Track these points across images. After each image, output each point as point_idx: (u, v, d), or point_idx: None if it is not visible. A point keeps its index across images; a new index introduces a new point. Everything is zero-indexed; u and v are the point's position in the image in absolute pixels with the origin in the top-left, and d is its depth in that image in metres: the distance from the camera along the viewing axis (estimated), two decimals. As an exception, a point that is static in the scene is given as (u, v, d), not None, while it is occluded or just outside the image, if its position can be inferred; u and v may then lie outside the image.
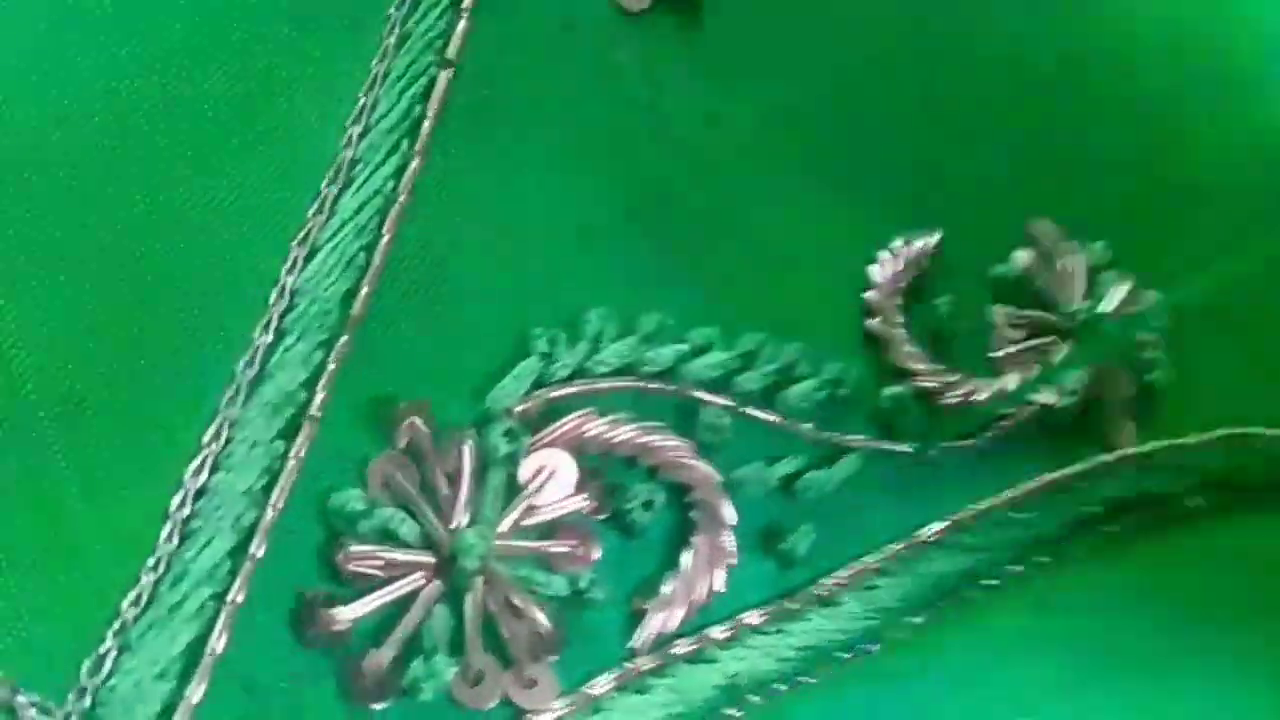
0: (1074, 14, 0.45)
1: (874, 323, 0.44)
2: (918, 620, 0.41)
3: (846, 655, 0.40)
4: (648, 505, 0.39)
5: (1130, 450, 0.44)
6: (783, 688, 0.39)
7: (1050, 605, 0.42)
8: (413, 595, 0.36)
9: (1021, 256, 0.46)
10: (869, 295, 0.44)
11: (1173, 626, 0.42)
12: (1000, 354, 0.44)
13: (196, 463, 0.35)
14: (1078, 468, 0.43)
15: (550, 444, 0.38)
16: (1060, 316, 0.46)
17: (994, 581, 0.42)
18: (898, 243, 0.44)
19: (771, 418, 0.41)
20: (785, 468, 0.41)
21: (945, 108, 0.46)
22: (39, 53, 0.36)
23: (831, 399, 0.42)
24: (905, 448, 0.43)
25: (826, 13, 0.45)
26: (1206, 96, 0.44)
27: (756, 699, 0.39)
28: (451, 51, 0.40)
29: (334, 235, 0.38)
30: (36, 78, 0.36)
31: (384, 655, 0.36)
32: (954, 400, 0.43)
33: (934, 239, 0.45)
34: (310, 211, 0.38)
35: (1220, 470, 0.44)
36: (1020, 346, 0.45)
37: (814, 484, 0.41)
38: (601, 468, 0.39)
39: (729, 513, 0.39)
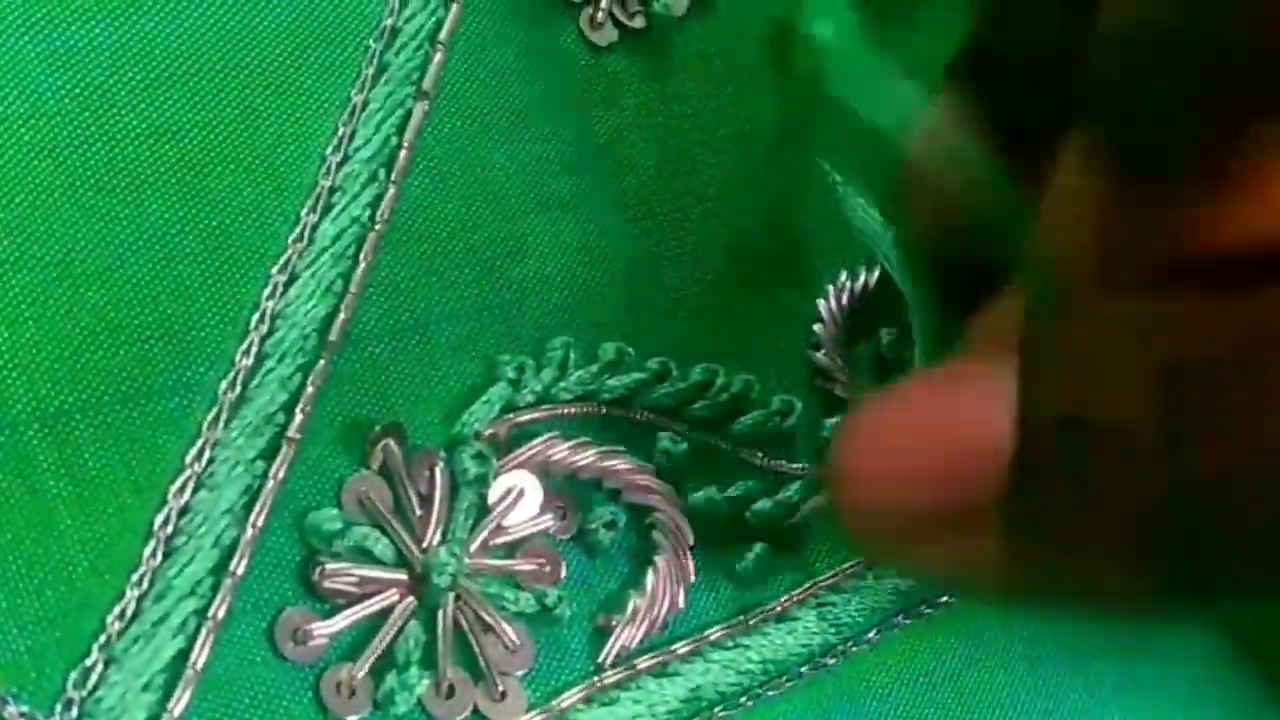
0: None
1: (819, 355, 0.45)
2: (874, 636, 0.42)
3: (805, 669, 0.41)
4: (610, 526, 0.40)
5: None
6: (744, 700, 0.40)
7: (1003, 621, 0.43)
8: (387, 611, 0.37)
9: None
10: (816, 328, 0.45)
11: (1133, 631, 0.44)
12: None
13: (180, 481, 0.36)
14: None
15: (518, 466, 0.40)
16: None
17: (947, 599, 0.43)
18: (843, 277, 0.46)
19: (723, 445, 0.43)
20: (736, 492, 0.42)
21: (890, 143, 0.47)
22: (24, 79, 0.36)
23: (778, 430, 0.44)
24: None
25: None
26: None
27: (719, 711, 0.40)
28: (428, 84, 0.41)
29: (313, 262, 0.38)
30: (21, 105, 0.36)
31: (359, 669, 0.36)
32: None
33: (875, 274, 0.46)
34: (290, 239, 0.39)
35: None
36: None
37: (763, 509, 0.42)
38: (567, 489, 0.40)
39: (688, 533, 0.41)
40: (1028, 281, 0.29)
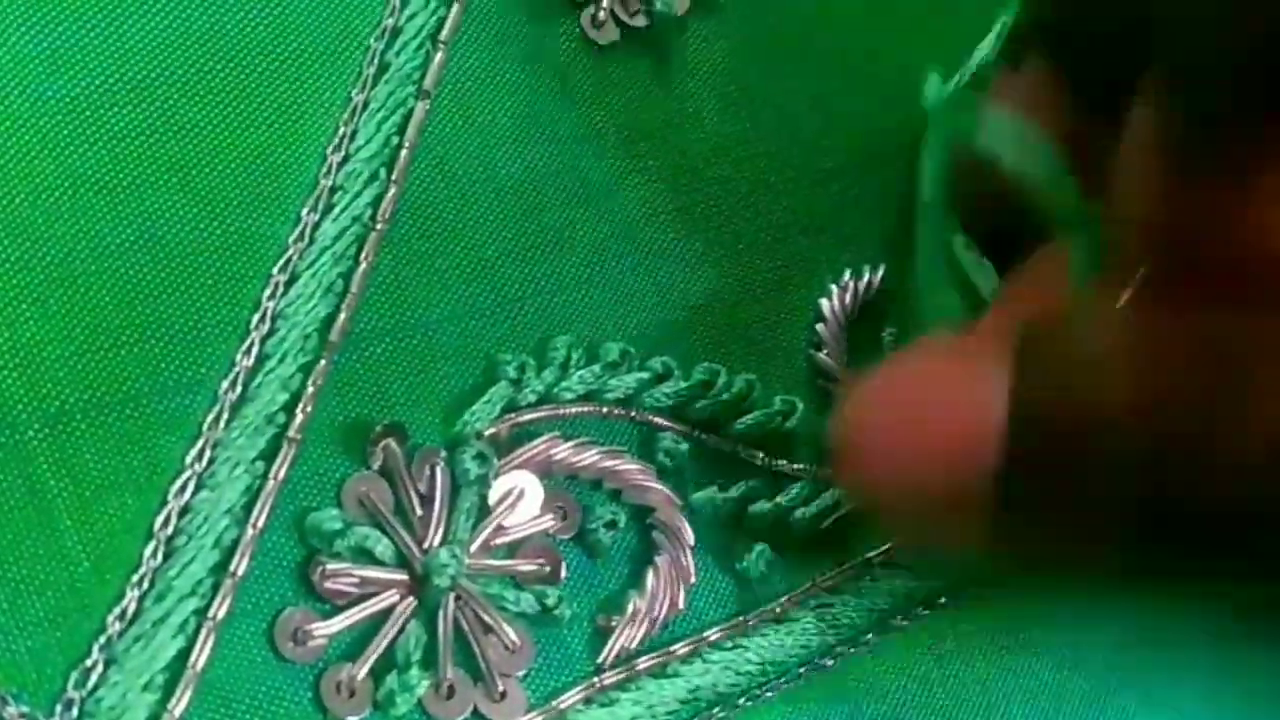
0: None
1: (822, 355, 0.45)
2: (872, 638, 0.42)
3: (804, 670, 0.41)
4: (610, 526, 0.40)
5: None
6: (743, 701, 0.40)
7: (1004, 624, 0.43)
8: (387, 612, 0.37)
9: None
10: (819, 327, 0.45)
11: (1130, 636, 0.44)
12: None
13: (180, 482, 0.36)
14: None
15: (519, 466, 0.40)
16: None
17: (945, 600, 0.43)
18: (846, 276, 0.46)
19: (724, 445, 0.43)
20: (737, 493, 0.42)
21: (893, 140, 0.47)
22: (25, 78, 0.37)
23: (779, 430, 0.44)
24: (847, 477, 0.44)
25: (787, 52, 0.47)
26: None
27: (718, 712, 0.40)
28: (429, 83, 0.41)
29: (313, 262, 0.38)
30: (22, 104, 0.36)
31: (359, 669, 0.36)
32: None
33: (880, 272, 0.46)
34: (290, 238, 0.39)
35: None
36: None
37: (764, 510, 0.42)
38: (567, 490, 0.40)
39: (689, 534, 0.41)
40: (1075, 246, 0.30)
